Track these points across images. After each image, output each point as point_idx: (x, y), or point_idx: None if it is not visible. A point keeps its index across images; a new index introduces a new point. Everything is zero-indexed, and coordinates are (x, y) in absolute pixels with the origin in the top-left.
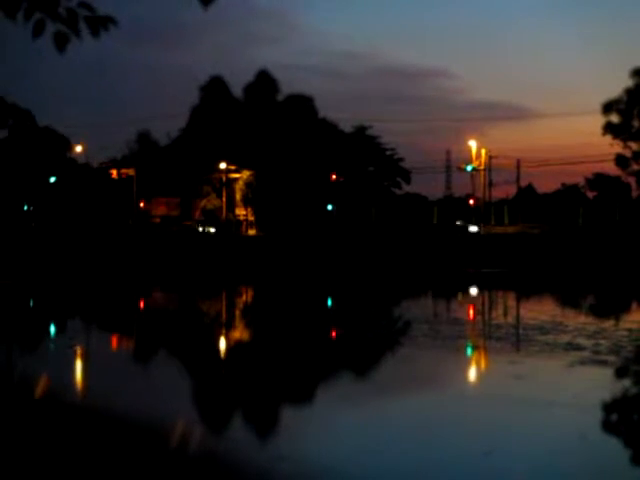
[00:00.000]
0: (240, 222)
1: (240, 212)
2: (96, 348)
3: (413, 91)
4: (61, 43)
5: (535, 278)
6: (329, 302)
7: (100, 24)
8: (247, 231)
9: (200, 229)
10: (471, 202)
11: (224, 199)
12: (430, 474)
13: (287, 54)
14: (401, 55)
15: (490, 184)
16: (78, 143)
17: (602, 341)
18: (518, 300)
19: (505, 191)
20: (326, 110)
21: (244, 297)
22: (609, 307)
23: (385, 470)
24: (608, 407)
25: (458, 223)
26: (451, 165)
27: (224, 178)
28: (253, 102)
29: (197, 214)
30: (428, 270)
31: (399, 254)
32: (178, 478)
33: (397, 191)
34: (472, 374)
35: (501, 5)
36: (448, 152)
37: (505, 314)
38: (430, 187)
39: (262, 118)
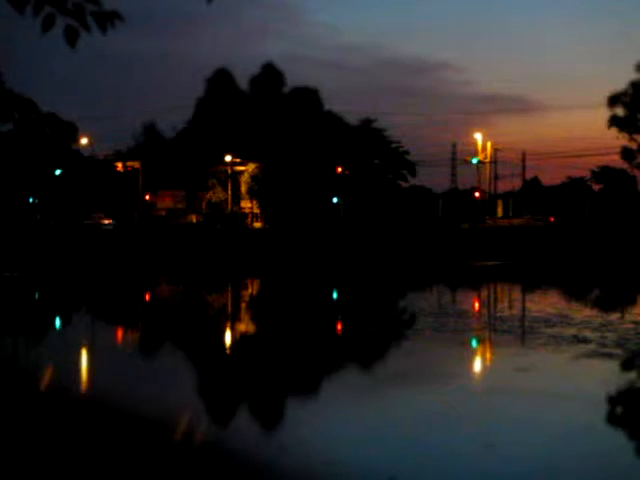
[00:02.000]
0: (245, 215)
1: (246, 205)
2: (103, 340)
3: (419, 84)
4: (72, 38)
5: (540, 270)
6: (335, 295)
7: (107, 19)
8: (253, 224)
9: None
10: (477, 195)
11: (229, 192)
12: (434, 465)
13: (292, 46)
14: (406, 48)
15: (496, 177)
16: (83, 135)
17: (608, 334)
18: (523, 292)
19: (511, 184)
20: (331, 103)
21: (250, 290)
22: (615, 300)
23: (389, 461)
24: (613, 400)
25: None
26: (457, 158)
27: (229, 171)
28: (259, 94)
29: (203, 207)
30: (433, 262)
31: (404, 247)
32: (183, 468)
33: (402, 184)
34: (477, 367)
35: None
36: (454, 145)
37: (510, 307)
38: (435, 180)
39: (268, 111)
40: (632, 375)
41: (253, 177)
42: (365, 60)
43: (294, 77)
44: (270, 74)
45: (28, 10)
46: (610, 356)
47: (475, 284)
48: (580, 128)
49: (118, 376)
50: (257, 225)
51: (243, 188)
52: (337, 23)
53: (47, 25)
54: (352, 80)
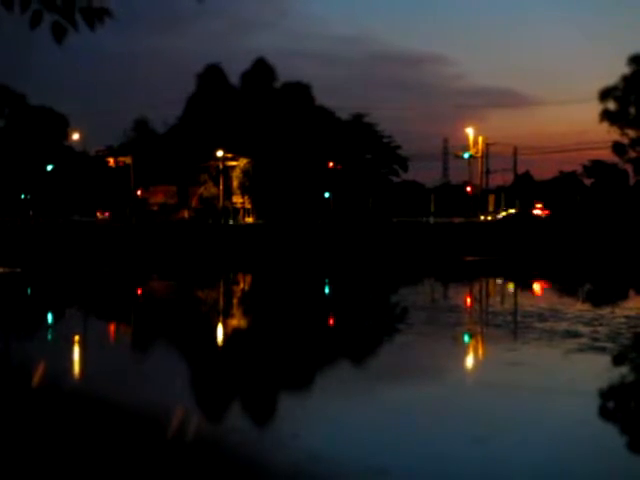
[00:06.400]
0: (237, 210)
1: (237, 200)
2: (96, 335)
3: (411, 77)
4: (59, 35)
5: (531, 265)
6: (327, 289)
7: (95, 16)
8: (244, 219)
9: None
10: (468, 189)
11: (221, 187)
12: (425, 459)
13: (283, 39)
14: (399, 40)
15: (487, 172)
16: (75, 131)
17: (600, 328)
18: (515, 287)
19: (502, 178)
20: (322, 95)
21: (243, 285)
22: (606, 294)
23: (381, 456)
24: (605, 394)
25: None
26: (448, 152)
27: (221, 166)
28: (250, 90)
29: (194, 202)
30: (424, 257)
31: (396, 241)
32: (177, 464)
33: (394, 178)
34: (470, 361)
35: None
36: (445, 139)
37: (502, 301)
38: (427, 174)
39: (259, 106)
40: (624, 369)
41: (245, 172)
42: (357, 53)
43: (283, 70)
44: (261, 69)
45: (16, 7)
46: (602, 350)
47: (467, 279)
48: (572, 122)
49: (111, 370)
50: (249, 220)
51: (235, 183)
52: (326, 15)
53: (35, 22)
54: (342, 73)
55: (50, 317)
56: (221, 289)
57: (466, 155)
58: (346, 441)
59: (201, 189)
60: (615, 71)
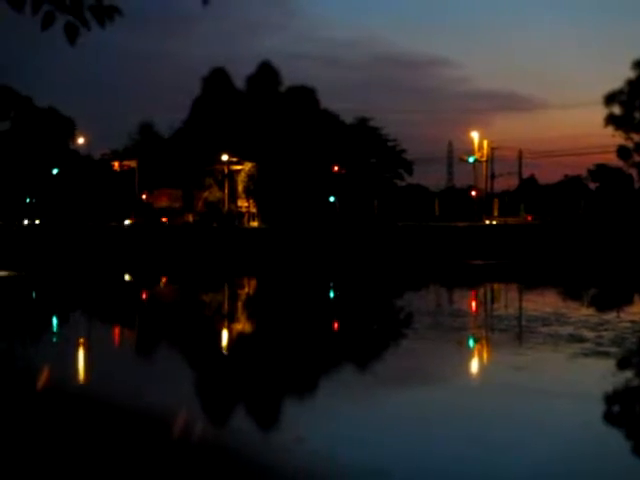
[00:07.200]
0: (242, 214)
1: (242, 204)
2: (101, 338)
3: (415, 80)
4: (72, 35)
5: (535, 269)
6: (333, 294)
7: (105, 14)
8: (249, 223)
9: None
10: (473, 193)
11: (226, 191)
12: (429, 462)
13: (287, 42)
14: (403, 44)
15: (492, 175)
16: (81, 134)
17: (604, 333)
18: (520, 292)
19: (507, 182)
20: (327, 98)
21: (248, 289)
22: (611, 299)
23: (384, 458)
24: (608, 398)
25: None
26: (453, 156)
27: (226, 170)
28: (255, 93)
29: (199, 206)
30: (429, 261)
31: (401, 245)
32: (180, 466)
33: (399, 182)
34: (475, 365)
35: None
36: (450, 143)
37: (507, 306)
38: (432, 178)
39: (264, 110)
40: (628, 373)
41: (250, 176)
42: (361, 56)
43: (287, 73)
44: (266, 73)
45: (27, 8)
46: (607, 355)
47: (471, 283)
48: (577, 126)
49: (115, 373)
50: (254, 224)
51: (240, 187)
52: (333, 18)
53: (46, 23)
54: (346, 76)
55: (54, 320)
56: (226, 293)
57: (471, 159)
58: (351, 444)
59: (206, 193)
60: (620, 75)
